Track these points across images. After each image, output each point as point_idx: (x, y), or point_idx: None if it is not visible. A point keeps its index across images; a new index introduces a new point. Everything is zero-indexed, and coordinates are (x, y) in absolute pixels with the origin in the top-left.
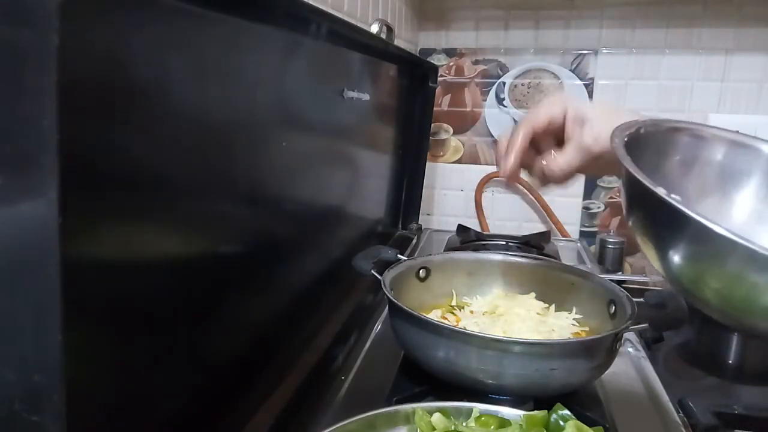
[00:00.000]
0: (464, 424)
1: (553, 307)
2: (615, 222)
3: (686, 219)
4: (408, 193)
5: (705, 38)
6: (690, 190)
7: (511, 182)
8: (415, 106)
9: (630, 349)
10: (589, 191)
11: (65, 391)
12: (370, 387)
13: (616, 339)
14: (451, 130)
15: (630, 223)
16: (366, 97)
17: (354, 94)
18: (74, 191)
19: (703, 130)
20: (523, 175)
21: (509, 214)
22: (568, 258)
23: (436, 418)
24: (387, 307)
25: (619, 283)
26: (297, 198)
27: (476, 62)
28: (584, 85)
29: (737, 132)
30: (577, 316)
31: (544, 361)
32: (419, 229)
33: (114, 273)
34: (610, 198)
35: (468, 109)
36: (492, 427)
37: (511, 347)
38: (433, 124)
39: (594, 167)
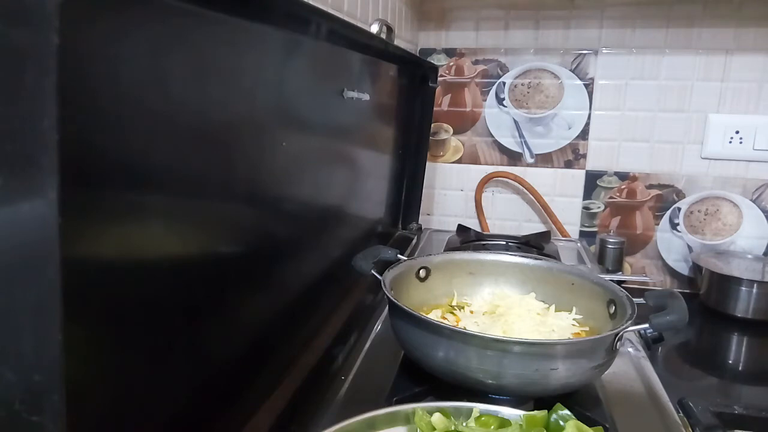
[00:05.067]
0: (464, 424)
1: (553, 307)
2: (615, 222)
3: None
4: (408, 193)
5: (705, 38)
6: None
7: None
8: (415, 106)
9: (630, 349)
10: (589, 191)
11: (65, 391)
12: (370, 387)
13: (616, 339)
14: (451, 130)
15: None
16: (366, 97)
17: (354, 94)
18: (74, 191)
19: None
20: (524, 175)
21: (509, 214)
22: (568, 258)
23: (436, 418)
24: (387, 307)
25: (619, 283)
26: (297, 198)
27: (476, 62)
28: (584, 85)
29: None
30: (577, 316)
31: (544, 361)
32: (419, 229)
33: (114, 273)
34: (610, 198)
35: (468, 109)
36: (492, 427)
37: (511, 347)
38: (433, 124)
39: None
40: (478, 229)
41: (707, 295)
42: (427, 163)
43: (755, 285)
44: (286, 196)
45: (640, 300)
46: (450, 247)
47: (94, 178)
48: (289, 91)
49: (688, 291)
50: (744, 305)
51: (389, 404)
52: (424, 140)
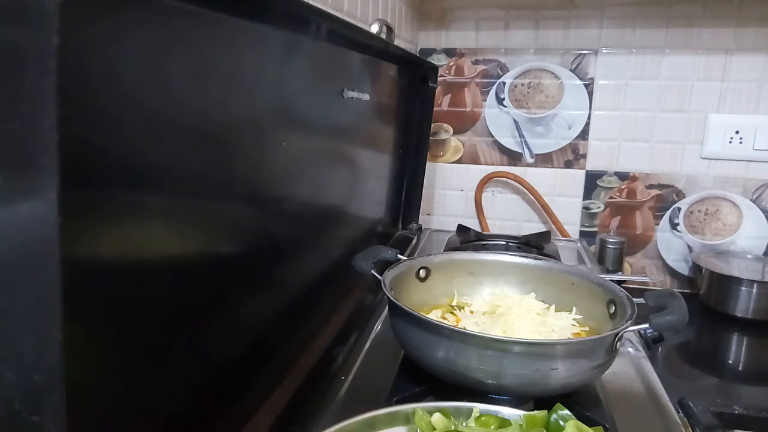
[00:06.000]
0: (464, 424)
1: (553, 307)
2: (615, 222)
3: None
4: (408, 193)
5: (705, 38)
6: None
7: None
8: (415, 106)
9: (630, 349)
10: (589, 191)
11: (65, 391)
12: (370, 387)
13: (616, 339)
14: (451, 130)
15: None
16: (366, 97)
17: (354, 94)
18: (74, 191)
19: None
20: (524, 175)
21: (509, 214)
22: (568, 258)
23: (436, 418)
24: (387, 307)
25: (619, 283)
26: (297, 198)
27: (476, 62)
28: (584, 85)
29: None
30: (577, 316)
31: (544, 361)
32: (419, 229)
33: (114, 273)
34: (610, 198)
35: (468, 109)
36: (492, 427)
37: (511, 347)
38: (433, 124)
39: None
40: (478, 229)
41: (707, 295)
42: (427, 163)
43: (755, 285)
44: (286, 196)
45: (640, 300)
46: (450, 247)
47: (94, 178)
48: (289, 91)
49: (688, 291)
50: (744, 305)
51: (389, 404)
52: (424, 140)
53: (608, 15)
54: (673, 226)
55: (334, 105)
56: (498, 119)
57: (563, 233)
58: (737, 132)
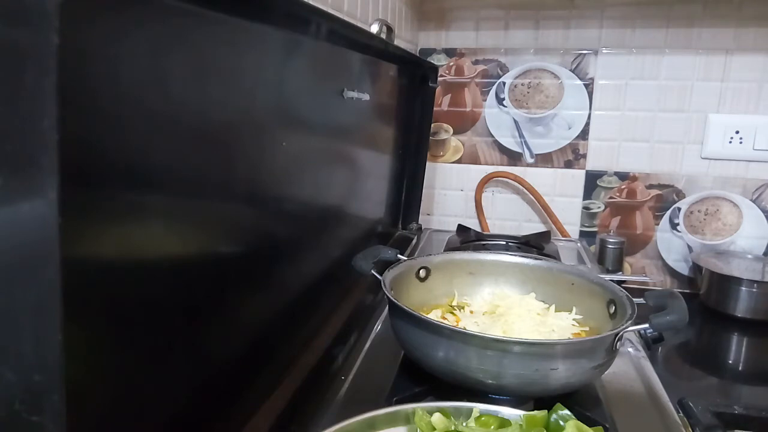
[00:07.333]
0: (464, 424)
1: (553, 307)
2: (615, 222)
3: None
4: (408, 193)
5: (705, 38)
6: None
7: None
8: (415, 106)
9: (630, 349)
10: (589, 191)
11: (65, 391)
12: (370, 387)
13: (616, 339)
14: (451, 130)
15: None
16: (366, 97)
17: (354, 94)
18: (74, 191)
19: None
20: (524, 175)
21: (509, 214)
22: (568, 258)
23: (436, 418)
24: (387, 307)
25: (619, 283)
26: (297, 198)
27: (476, 62)
28: (584, 85)
29: None
30: (577, 316)
31: (544, 361)
32: (419, 229)
33: (114, 273)
34: (610, 198)
35: (468, 109)
36: (492, 427)
37: (511, 347)
38: (433, 124)
39: None
40: (478, 229)
41: (707, 295)
42: (427, 163)
43: (755, 285)
44: (286, 196)
45: (640, 300)
46: (450, 247)
47: (94, 178)
48: (289, 91)
49: (688, 291)
50: (744, 305)
51: (389, 404)
52: (424, 140)
53: (608, 15)
54: (673, 226)
55: (334, 105)
56: (498, 119)
57: (563, 233)
58: (737, 132)
